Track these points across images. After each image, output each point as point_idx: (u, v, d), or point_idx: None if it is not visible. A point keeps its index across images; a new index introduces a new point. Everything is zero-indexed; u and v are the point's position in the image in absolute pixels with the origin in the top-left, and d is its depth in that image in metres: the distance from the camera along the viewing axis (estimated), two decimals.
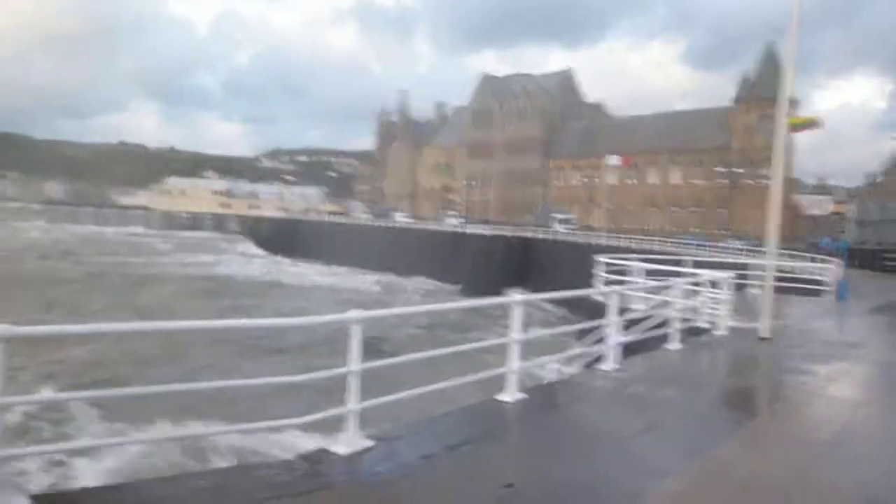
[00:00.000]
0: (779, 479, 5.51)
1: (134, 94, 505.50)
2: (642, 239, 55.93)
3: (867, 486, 5.52)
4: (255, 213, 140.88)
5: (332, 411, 5.64)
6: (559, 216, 78.85)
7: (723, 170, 75.26)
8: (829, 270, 23.44)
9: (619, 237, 58.77)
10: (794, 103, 63.47)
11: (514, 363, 7.48)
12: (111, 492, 4.64)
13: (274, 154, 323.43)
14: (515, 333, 7.47)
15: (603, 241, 57.01)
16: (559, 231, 69.83)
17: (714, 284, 13.91)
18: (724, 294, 13.62)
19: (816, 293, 22.00)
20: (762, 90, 79.58)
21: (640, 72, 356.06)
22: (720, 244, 54.22)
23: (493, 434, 6.48)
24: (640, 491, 5.12)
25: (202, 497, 4.61)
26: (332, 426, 6.24)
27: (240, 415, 7.84)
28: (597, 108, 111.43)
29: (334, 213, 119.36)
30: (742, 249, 45.57)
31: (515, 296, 7.47)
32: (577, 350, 10.35)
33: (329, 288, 58.74)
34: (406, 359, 6.21)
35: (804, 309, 18.38)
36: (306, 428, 8.26)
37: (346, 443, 5.68)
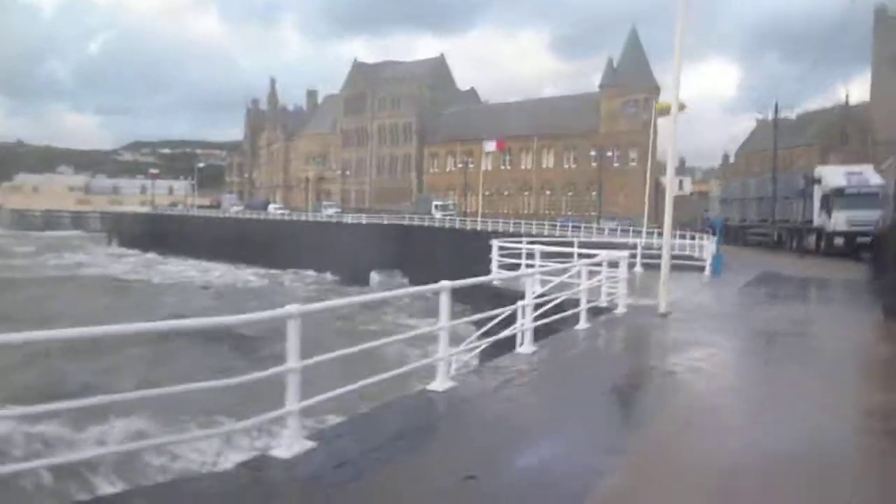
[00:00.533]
0: (720, 450, 5.63)
1: None
2: (519, 222, 57.06)
3: (816, 445, 5.72)
4: (117, 208, 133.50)
5: (271, 413, 5.26)
6: (438, 203, 79.26)
7: (594, 153, 77.88)
8: (706, 247, 24.64)
9: (498, 221, 59.66)
10: (657, 90, 65.95)
11: (443, 351, 7.32)
12: None
13: (134, 147, 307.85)
14: (444, 321, 7.30)
15: (481, 227, 57.82)
16: (437, 217, 70.15)
17: (611, 265, 14.25)
18: (622, 273, 14.00)
19: (696, 269, 23.11)
20: (626, 76, 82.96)
21: (509, 60, 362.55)
22: (594, 225, 56.24)
23: (434, 425, 6.29)
24: (600, 468, 5.08)
25: None
26: (258, 429, 5.87)
27: (159, 425, 7.25)
28: (470, 95, 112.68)
29: (205, 207, 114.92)
30: (616, 229, 47.43)
31: (445, 283, 7.29)
32: (493, 338, 10.25)
33: (209, 284, 56.83)
34: (344, 353, 5.90)
35: (687, 284, 19.18)
36: (226, 434, 7.80)
37: (288, 446, 5.33)
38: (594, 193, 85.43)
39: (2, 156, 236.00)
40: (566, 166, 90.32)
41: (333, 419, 7.55)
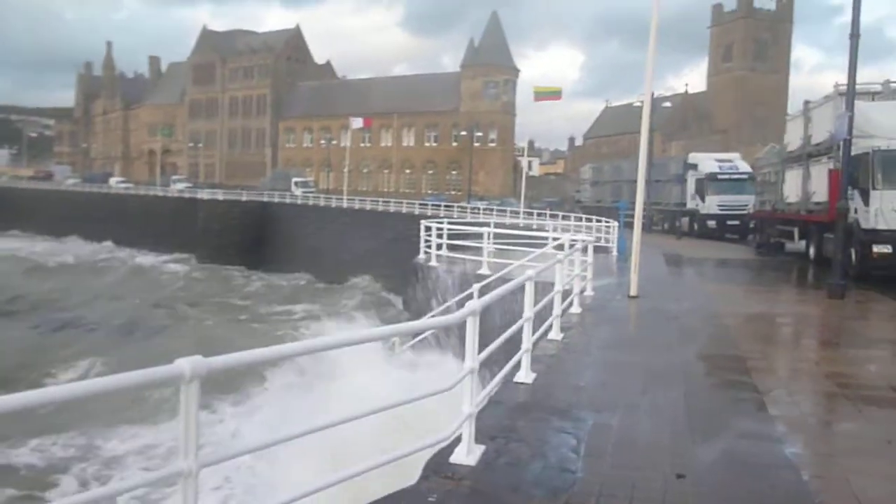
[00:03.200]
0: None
1: None
2: (388, 201, 56.67)
3: None
4: None
5: (456, 423, 4.90)
6: (298, 179, 77.23)
7: (464, 133, 78.45)
8: (613, 230, 25.55)
9: (365, 200, 58.82)
10: (516, 72, 67.33)
11: (527, 343, 7.13)
12: None
13: None
14: (528, 313, 7.11)
15: (347, 205, 56.89)
16: (298, 195, 68.26)
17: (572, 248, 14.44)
18: (589, 257, 14.23)
19: (600, 250, 23.94)
20: (487, 57, 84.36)
21: (362, 35, 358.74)
22: (466, 205, 56.87)
23: (569, 413, 6.11)
24: (795, 460, 5.14)
25: None
26: None
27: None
28: (326, 69, 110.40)
29: (34, 178, 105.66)
30: (492, 209, 48.20)
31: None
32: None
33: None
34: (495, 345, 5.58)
35: (609, 266, 19.86)
36: None
37: (468, 451, 4.98)
38: (454, 172, 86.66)
39: None
40: (427, 145, 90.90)
41: None
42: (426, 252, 19.49)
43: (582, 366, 8.13)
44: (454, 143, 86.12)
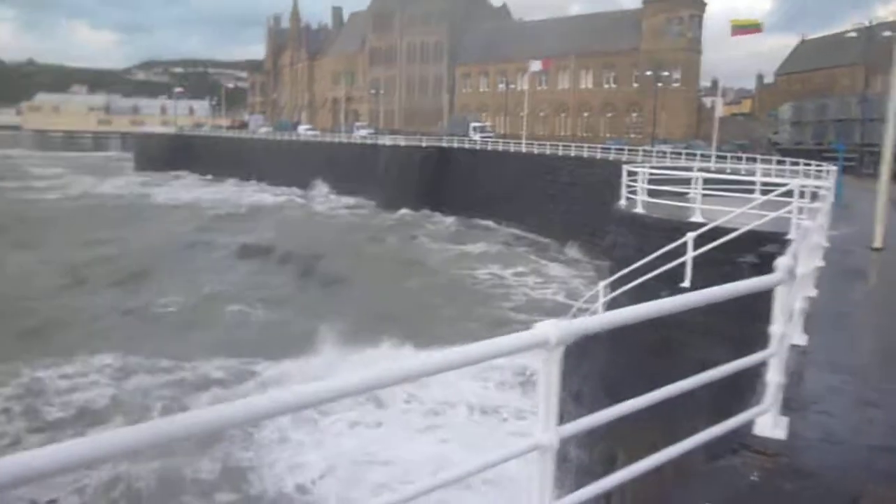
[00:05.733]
0: None
1: None
2: (569, 146, 55.36)
3: None
4: (138, 129, 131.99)
5: (768, 397, 4.49)
6: (476, 124, 77.40)
7: (648, 73, 74.95)
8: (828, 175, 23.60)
9: (545, 145, 57.85)
10: (702, 6, 63.13)
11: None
12: None
13: (147, 66, 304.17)
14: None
15: (527, 150, 56.23)
16: (476, 140, 68.39)
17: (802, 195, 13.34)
18: (824, 205, 13.10)
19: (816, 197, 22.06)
20: None
21: None
22: (652, 149, 54.66)
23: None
24: None
25: None
26: None
27: None
28: (502, 12, 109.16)
29: (231, 128, 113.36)
30: (681, 154, 46.01)
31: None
32: None
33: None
34: None
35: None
36: None
37: (774, 423, 4.57)
38: (634, 115, 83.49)
39: (15, 76, 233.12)
40: (605, 87, 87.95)
41: None
42: (628, 198, 18.72)
43: (850, 327, 7.40)
44: (634, 85, 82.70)
